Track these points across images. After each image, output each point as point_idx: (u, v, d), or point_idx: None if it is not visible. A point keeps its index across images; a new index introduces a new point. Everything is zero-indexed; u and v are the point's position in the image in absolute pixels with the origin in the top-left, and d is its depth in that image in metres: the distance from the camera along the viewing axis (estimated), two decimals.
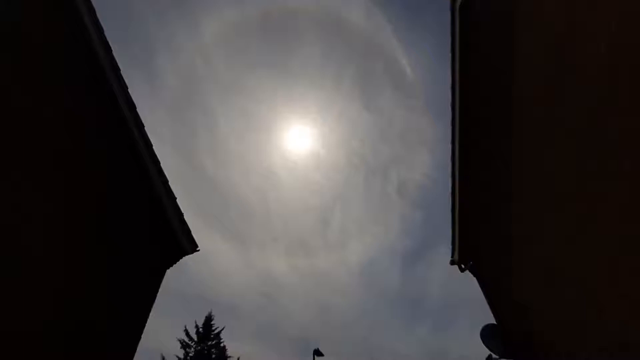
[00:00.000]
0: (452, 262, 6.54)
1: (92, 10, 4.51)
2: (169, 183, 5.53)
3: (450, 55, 5.69)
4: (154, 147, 5.35)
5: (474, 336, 5.64)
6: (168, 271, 6.01)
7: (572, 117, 3.40)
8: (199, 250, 5.98)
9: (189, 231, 5.80)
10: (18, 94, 3.64)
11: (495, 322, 5.64)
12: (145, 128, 5.28)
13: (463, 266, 6.43)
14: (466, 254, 6.42)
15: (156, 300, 5.56)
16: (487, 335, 5.34)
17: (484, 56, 5.19)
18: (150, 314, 5.37)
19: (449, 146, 6.12)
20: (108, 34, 4.73)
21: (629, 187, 2.78)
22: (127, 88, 5.04)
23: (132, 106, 5.11)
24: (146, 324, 5.21)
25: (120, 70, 4.92)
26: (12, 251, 3.33)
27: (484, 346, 5.40)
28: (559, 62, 3.47)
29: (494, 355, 5.24)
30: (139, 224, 5.39)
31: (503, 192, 5.03)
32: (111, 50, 4.80)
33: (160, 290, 5.72)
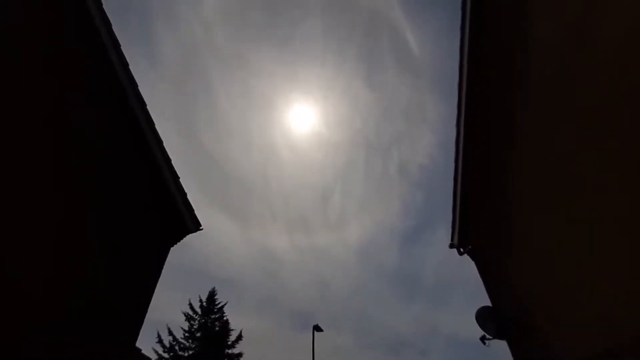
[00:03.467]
0: (452, 246, 6.60)
1: None
2: (172, 162, 5.55)
3: (460, 34, 5.49)
4: (155, 125, 5.32)
5: (468, 316, 5.79)
6: (172, 248, 6.15)
7: (583, 105, 3.32)
8: (202, 229, 6.07)
9: (193, 210, 5.87)
10: (14, 73, 3.61)
11: (490, 305, 5.76)
12: (147, 105, 5.23)
13: (462, 250, 6.50)
14: (466, 238, 6.47)
15: (161, 275, 5.71)
16: (482, 317, 5.47)
17: (495, 36, 5.01)
18: (157, 289, 5.54)
19: (453, 127, 6.03)
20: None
21: (629, 179, 2.76)
22: (128, 65, 4.97)
23: (133, 83, 5.05)
24: (152, 298, 5.39)
25: (120, 46, 4.83)
26: (14, 225, 3.41)
27: (478, 327, 5.55)
28: (573, 46, 3.36)
29: (487, 336, 5.39)
30: (143, 204, 5.46)
31: (506, 179, 5.01)
32: (111, 25, 4.70)
33: (165, 265, 5.86)
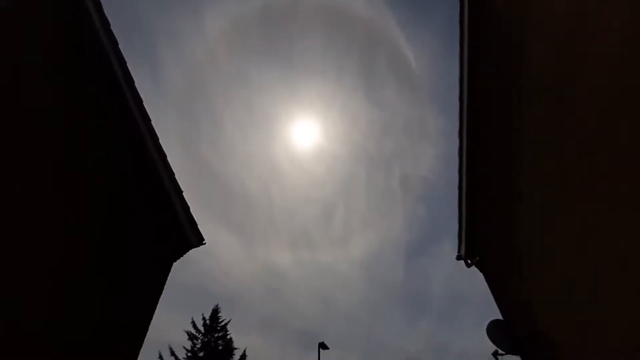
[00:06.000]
0: (459, 257, 6.47)
1: (99, 6, 4.53)
2: (175, 176, 5.56)
3: (459, 48, 5.57)
4: (159, 140, 5.36)
5: (479, 331, 5.62)
6: (174, 264, 6.07)
7: (582, 113, 3.32)
8: (205, 244, 6.01)
9: (196, 224, 5.83)
10: (22, 91, 3.68)
11: (501, 318, 5.59)
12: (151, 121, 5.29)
13: (469, 261, 6.37)
14: (473, 249, 6.35)
15: (163, 293, 5.61)
16: (493, 330, 5.29)
17: (493, 48, 5.07)
18: (160, 308, 5.43)
19: (454, 139, 6.03)
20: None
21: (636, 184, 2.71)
22: (134, 82, 5.06)
23: (138, 100, 5.12)
24: (153, 316, 5.27)
25: (126, 63, 4.93)
26: (14, 245, 3.38)
27: (490, 342, 5.36)
28: (569, 57, 3.39)
29: (500, 351, 5.21)
30: (146, 218, 5.44)
31: (512, 187, 4.95)
32: (117, 44, 4.81)
33: (168, 283, 5.77)
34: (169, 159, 5.53)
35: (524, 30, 4.16)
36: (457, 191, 6.31)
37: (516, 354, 5.16)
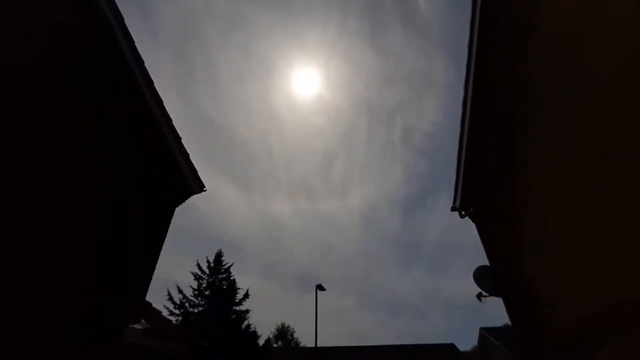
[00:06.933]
0: (453, 208, 6.64)
1: None
2: (173, 122, 5.48)
3: None
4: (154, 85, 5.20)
5: (467, 280, 5.95)
6: (178, 210, 6.25)
7: (594, 71, 3.16)
8: (206, 190, 6.13)
9: (195, 171, 5.90)
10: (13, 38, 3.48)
11: (489, 265, 5.91)
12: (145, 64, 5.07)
13: (463, 212, 6.55)
14: (468, 201, 6.49)
15: (171, 240, 5.86)
16: (480, 275, 5.64)
17: None
18: (167, 252, 5.71)
19: (461, 91, 5.84)
20: None
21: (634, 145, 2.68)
22: (123, 19, 4.76)
23: (130, 40, 4.86)
24: (159, 258, 5.55)
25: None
26: (19, 198, 3.45)
27: (476, 289, 5.74)
28: (586, 9, 3.15)
29: (484, 293, 5.59)
30: (145, 164, 5.48)
31: (512, 142, 4.91)
32: None
33: (173, 230, 6.00)
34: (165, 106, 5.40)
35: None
36: (457, 145, 6.27)
37: (499, 297, 5.56)
